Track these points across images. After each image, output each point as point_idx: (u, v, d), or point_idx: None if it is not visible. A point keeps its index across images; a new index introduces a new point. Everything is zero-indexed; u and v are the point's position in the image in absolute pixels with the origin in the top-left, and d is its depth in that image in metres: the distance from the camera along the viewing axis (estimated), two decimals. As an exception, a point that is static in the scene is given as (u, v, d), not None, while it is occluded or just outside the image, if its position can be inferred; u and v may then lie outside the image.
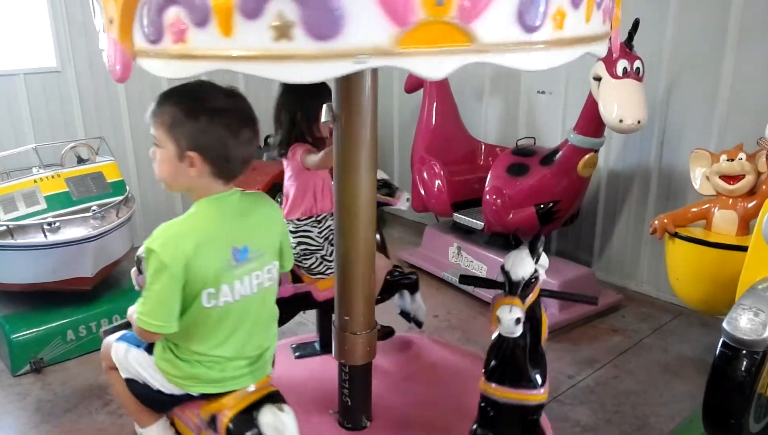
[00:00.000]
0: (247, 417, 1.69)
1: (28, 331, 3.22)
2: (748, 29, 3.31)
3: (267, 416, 1.68)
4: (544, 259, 1.96)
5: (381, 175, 2.75)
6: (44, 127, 4.36)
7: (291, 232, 2.65)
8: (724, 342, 2.16)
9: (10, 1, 4.20)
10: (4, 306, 3.38)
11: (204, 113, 1.53)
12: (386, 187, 2.75)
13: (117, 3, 1.29)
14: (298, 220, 2.63)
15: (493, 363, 1.91)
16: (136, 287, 1.94)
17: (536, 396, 1.87)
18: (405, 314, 2.85)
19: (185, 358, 1.70)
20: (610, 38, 1.57)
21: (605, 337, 3.52)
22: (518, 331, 1.77)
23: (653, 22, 3.58)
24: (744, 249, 2.49)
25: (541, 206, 3.67)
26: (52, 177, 3.58)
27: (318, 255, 2.63)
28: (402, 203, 2.76)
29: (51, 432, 2.77)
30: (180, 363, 1.71)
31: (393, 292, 2.80)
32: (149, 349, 1.78)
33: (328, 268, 2.61)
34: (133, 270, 1.96)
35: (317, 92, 2.54)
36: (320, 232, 2.64)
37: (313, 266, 2.62)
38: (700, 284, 3.04)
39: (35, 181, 3.51)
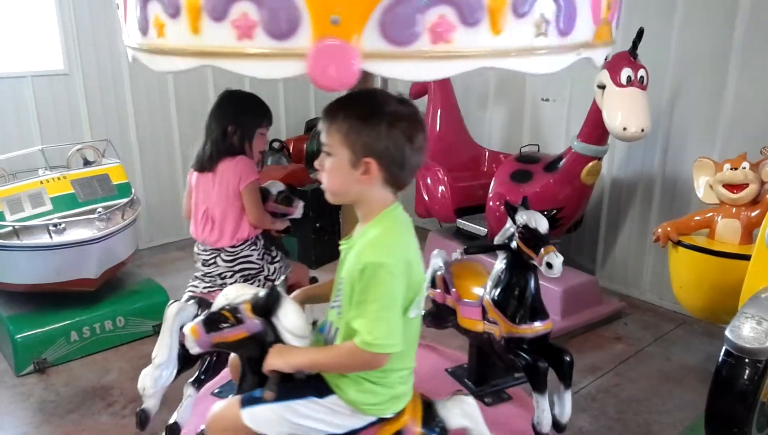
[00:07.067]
0: (429, 417, 1.67)
1: (32, 332, 3.23)
2: (753, 38, 3.32)
3: (451, 408, 1.67)
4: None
5: (280, 187, 2.77)
6: (51, 129, 4.39)
7: (226, 261, 2.52)
8: (726, 350, 2.15)
9: (19, 4, 4.23)
10: (8, 306, 3.40)
11: (383, 118, 1.50)
12: (286, 199, 2.76)
13: (355, 2, 1.21)
14: (234, 246, 2.51)
15: (516, 308, 2.16)
16: (194, 348, 1.66)
17: (550, 324, 2.19)
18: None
19: (386, 380, 1.62)
20: None
21: (608, 345, 3.52)
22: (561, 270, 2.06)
23: (658, 31, 3.59)
24: (747, 258, 2.49)
25: (545, 213, 3.66)
26: (59, 178, 3.61)
27: (261, 277, 2.56)
28: (298, 212, 2.78)
29: (53, 432, 2.77)
30: (380, 389, 1.62)
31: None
32: (318, 393, 1.64)
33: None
34: (195, 326, 1.64)
35: (253, 109, 2.50)
36: (259, 254, 2.57)
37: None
38: (703, 292, 3.04)
39: (41, 183, 3.54)
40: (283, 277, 2.65)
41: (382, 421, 1.67)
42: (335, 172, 1.55)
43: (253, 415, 1.62)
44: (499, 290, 2.21)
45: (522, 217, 2.16)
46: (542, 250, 2.08)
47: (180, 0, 1.32)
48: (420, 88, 4.53)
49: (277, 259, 2.68)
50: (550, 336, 2.22)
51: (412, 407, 1.69)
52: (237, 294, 1.68)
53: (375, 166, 1.51)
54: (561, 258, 2.06)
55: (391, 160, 1.52)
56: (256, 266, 2.56)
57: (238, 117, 2.46)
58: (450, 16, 1.21)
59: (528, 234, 2.13)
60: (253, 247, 2.56)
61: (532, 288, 2.18)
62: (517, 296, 2.18)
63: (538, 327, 2.16)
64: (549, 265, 2.05)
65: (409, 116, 1.54)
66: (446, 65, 1.27)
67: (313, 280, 2.87)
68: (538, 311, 2.18)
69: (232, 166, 2.46)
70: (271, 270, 2.61)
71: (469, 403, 1.69)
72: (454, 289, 2.39)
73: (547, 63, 1.38)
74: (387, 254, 1.50)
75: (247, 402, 1.65)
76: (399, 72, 1.27)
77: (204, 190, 2.52)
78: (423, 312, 1.67)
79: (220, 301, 1.68)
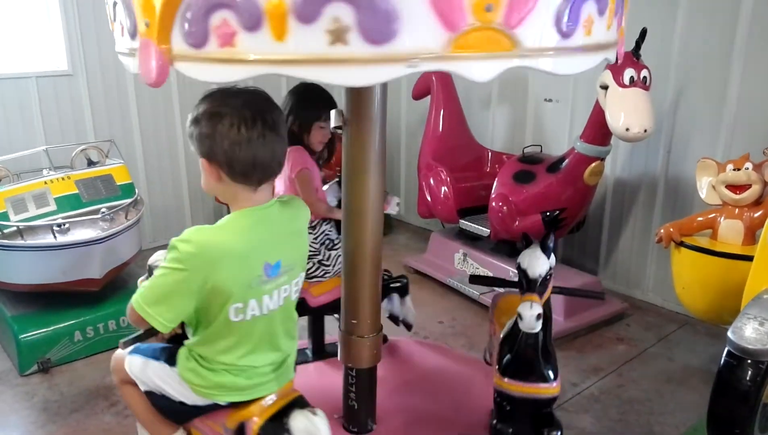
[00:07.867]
0: (277, 423, 1.68)
1: (36, 332, 3.24)
2: (756, 38, 3.31)
3: (299, 421, 1.66)
4: (552, 258, 2.00)
5: None
6: (55, 130, 4.40)
7: None
8: (729, 351, 2.15)
9: (24, 4, 4.25)
10: (12, 306, 3.42)
11: (202, 118, 1.52)
12: None
13: (155, 6, 1.27)
14: None
15: (507, 359, 1.96)
16: None
17: (549, 389, 1.95)
18: (393, 318, 2.81)
19: (211, 367, 1.67)
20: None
21: (610, 346, 3.51)
22: (538, 326, 1.83)
23: (661, 31, 3.59)
24: (750, 258, 2.49)
25: (547, 214, 3.67)
26: (63, 179, 3.62)
27: (315, 260, 2.62)
28: (392, 208, 2.77)
29: (57, 432, 2.79)
30: (205, 372, 1.67)
31: (383, 295, 2.80)
32: (170, 360, 1.74)
33: (325, 272, 2.62)
34: (142, 279, 1.95)
35: (311, 101, 2.55)
36: (315, 238, 2.64)
37: (311, 271, 2.61)
38: (705, 293, 3.03)
39: (46, 183, 3.55)
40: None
41: (219, 407, 1.72)
42: (202, 171, 1.62)
43: (131, 363, 1.83)
44: (505, 334, 2.03)
45: (524, 255, 1.93)
46: (525, 295, 1.85)
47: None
48: (422, 89, 4.54)
49: (338, 246, 2.71)
50: (553, 402, 1.97)
51: (269, 405, 1.73)
52: (157, 258, 1.87)
53: (208, 166, 1.56)
54: (536, 311, 1.79)
55: (216, 158, 1.54)
56: (312, 250, 2.62)
57: (298, 108, 2.56)
58: (231, 21, 1.21)
59: (519, 273, 1.91)
60: (310, 232, 2.62)
61: (534, 341, 1.90)
62: (514, 345, 1.94)
63: (527, 387, 1.91)
64: (519, 316, 1.81)
65: (229, 112, 1.51)
66: (234, 69, 1.26)
67: (386, 276, 2.84)
68: (536, 370, 1.90)
69: (288, 155, 2.57)
70: (327, 256, 2.65)
71: (316, 423, 1.66)
72: (494, 323, 2.30)
73: (359, 74, 1.25)
74: (187, 242, 1.50)
75: (133, 350, 1.84)
76: (197, 73, 1.31)
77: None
78: (249, 317, 1.61)
79: (149, 261, 1.92)
